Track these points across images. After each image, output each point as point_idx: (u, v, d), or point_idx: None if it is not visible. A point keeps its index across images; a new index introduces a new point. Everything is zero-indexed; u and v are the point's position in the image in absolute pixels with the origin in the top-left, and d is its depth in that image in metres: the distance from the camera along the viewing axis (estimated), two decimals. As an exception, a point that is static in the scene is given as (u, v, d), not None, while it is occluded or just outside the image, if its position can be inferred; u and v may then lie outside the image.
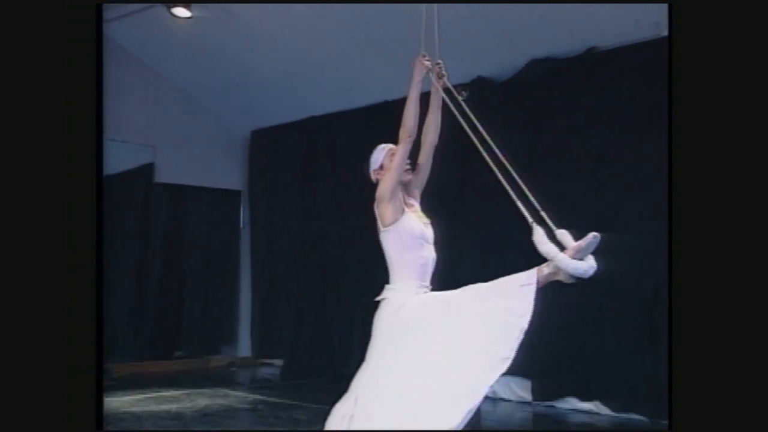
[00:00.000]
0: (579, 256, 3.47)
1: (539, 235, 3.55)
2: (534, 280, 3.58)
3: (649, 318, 6.59)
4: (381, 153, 3.98)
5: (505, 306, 3.61)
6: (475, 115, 3.96)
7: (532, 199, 3.72)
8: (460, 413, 3.56)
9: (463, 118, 3.97)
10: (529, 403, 7.29)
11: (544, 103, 7.44)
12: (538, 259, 3.60)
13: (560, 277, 3.56)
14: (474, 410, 3.56)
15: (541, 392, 7.27)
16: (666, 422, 5.99)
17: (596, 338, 6.90)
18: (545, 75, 7.38)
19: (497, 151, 3.86)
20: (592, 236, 3.46)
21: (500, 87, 7.63)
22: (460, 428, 3.55)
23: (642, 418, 6.58)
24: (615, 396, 6.81)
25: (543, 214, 3.64)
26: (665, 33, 6.59)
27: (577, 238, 3.50)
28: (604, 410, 6.85)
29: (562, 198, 6.24)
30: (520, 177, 3.77)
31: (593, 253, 3.47)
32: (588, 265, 3.47)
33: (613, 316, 6.78)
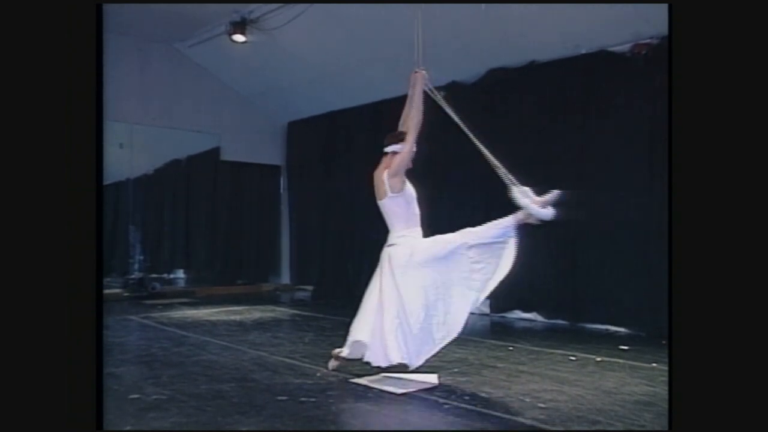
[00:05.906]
0: (543, 206, 3.63)
1: (516, 192, 3.67)
2: (512, 222, 3.73)
3: (572, 254, 6.64)
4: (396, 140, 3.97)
5: (499, 239, 3.73)
6: (451, 109, 4.08)
7: (502, 169, 3.80)
8: (465, 314, 3.75)
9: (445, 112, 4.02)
10: (488, 315, 7.30)
11: (500, 100, 7.34)
12: (502, 214, 3.77)
13: (530, 221, 3.71)
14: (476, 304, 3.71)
15: (497, 307, 7.30)
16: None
17: (533, 268, 6.75)
18: (499, 80, 7.31)
19: (470, 134, 3.95)
20: (555, 192, 3.62)
21: (468, 88, 7.55)
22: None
23: (564, 322, 6.67)
24: (546, 308, 6.90)
25: (512, 178, 3.74)
26: (583, 51, 6.67)
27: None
28: (539, 318, 6.93)
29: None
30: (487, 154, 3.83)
31: (552, 205, 3.65)
32: (550, 212, 3.65)
33: (546, 253, 6.77)
